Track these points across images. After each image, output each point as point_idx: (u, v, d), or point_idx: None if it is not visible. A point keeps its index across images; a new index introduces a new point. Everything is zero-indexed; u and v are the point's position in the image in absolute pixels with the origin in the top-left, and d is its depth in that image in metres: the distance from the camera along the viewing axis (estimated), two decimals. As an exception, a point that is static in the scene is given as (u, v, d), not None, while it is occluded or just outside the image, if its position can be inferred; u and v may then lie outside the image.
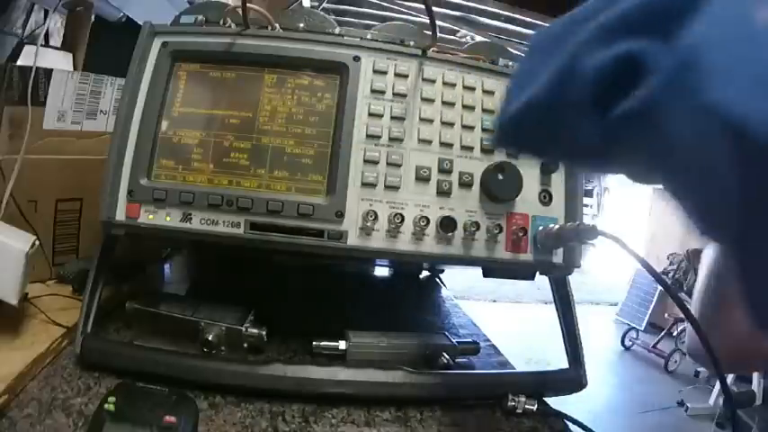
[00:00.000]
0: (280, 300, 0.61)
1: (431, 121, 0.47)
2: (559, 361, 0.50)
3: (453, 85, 0.49)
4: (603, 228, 0.40)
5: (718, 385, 2.83)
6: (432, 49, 0.49)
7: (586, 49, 0.19)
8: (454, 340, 0.51)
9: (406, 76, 0.48)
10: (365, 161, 0.45)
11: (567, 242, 0.46)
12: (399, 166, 0.46)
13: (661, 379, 3.25)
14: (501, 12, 2.17)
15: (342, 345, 0.48)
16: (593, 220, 6.20)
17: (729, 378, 2.79)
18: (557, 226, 0.45)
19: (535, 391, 0.46)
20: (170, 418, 0.33)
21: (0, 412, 0.37)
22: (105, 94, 0.65)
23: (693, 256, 3.38)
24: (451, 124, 0.47)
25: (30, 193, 0.56)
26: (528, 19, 2.19)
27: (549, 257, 0.47)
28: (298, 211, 0.44)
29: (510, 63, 0.52)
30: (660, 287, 3.70)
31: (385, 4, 2.23)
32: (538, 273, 0.49)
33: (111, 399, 0.34)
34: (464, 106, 0.48)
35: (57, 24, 1.34)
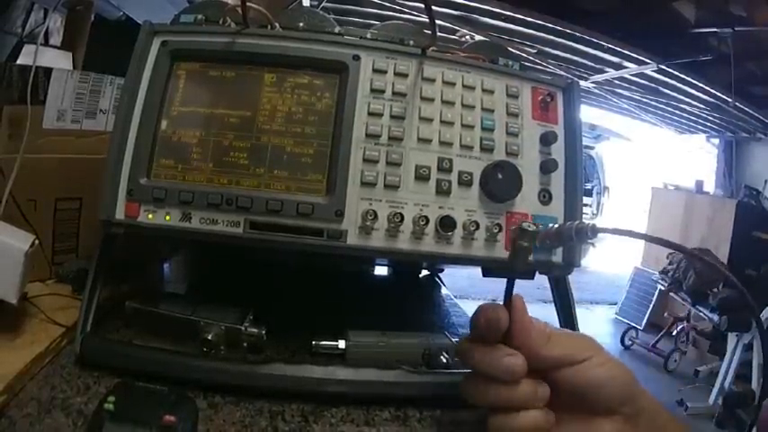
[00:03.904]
0: (279, 299, 0.61)
1: (430, 120, 0.47)
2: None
3: (453, 85, 0.48)
4: (603, 226, 0.39)
5: (717, 384, 2.83)
6: (431, 48, 0.48)
7: None
8: (454, 340, 0.51)
9: (405, 76, 0.48)
10: (365, 160, 0.45)
11: (566, 241, 0.46)
12: (399, 165, 0.46)
13: (660, 378, 3.25)
14: (501, 11, 2.17)
15: (341, 344, 0.48)
16: (593, 219, 6.20)
17: (729, 378, 2.79)
18: (556, 225, 0.45)
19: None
20: (170, 418, 0.33)
21: (0, 411, 0.37)
22: (105, 94, 0.65)
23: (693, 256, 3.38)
24: (451, 123, 0.47)
25: (29, 193, 0.56)
26: (528, 19, 2.19)
27: (548, 257, 0.47)
28: (297, 211, 0.44)
29: (510, 62, 0.52)
30: (659, 287, 3.71)
31: (385, 3, 2.22)
32: (537, 272, 0.49)
33: (111, 398, 0.34)
34: (464, 105, 0.48)
35: (56, 23, 1.34)
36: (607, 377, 0.33)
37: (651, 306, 3.91)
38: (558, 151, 0.49)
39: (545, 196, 0.48)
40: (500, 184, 0.46)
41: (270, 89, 0.47)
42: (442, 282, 0.83)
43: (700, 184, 4.24)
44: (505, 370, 0.32)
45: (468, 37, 2.37)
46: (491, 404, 0.34)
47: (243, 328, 0.47)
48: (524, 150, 0.48)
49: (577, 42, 2.40)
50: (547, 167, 0.48)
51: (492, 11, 2.18)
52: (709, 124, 3.93)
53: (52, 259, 0.60)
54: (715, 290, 3.08)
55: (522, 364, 0.32)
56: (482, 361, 0.33)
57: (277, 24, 0.49)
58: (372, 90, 0.47)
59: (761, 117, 3.14)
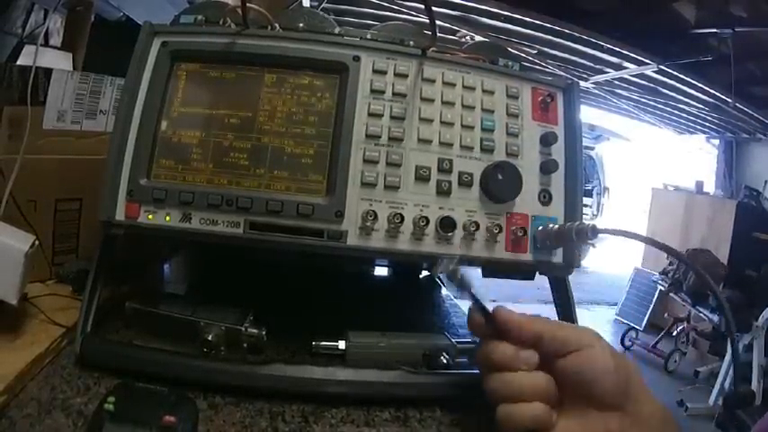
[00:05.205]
0: (279, 300, 0.61)
1: (430, 120, 0.47)
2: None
3: (453, 85, 0.48)
4: (603, 226, 0.40)
5: (717, 385, 2.83)
6: (431, 48, 0.48)
7: None
8: (454, 340, 0.51)
9: (405, 76, 0.48)
10: (365, 161, 0.45)
11: (566, 242, 0.46)
12: (399, 165, 0.46)
13: (661, 379, 3.25)
14: (501, 12, 2.17)
15: (341, 345, 0.48)
16: (593, 219, 6.20)
17: (729, 378, 2.79)
18: (556, 226, 0.45)
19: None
20: (170, 418, 0.33)
21: (0, 412, 0.37)
22: (105, 94, 0.65)
23: (693, 257, 3.38)
24: (451, 124, 0.47)
25: (29, 193, 0.56)
26: (528, 19, 2.19)
27: (548, 257, 0.47)
28: (297, 211, 0.44)
29: (509, 63, 0.52)
30: (659, 288, 3.71)
31: (385, 4, 2.22)
32: (537, 273, 0.49)
33: (111, 399, 0.34)
34: (464, 106, 0.48)
35: (56, 24, 1.34)
36: (602, 369, 0.34)
37: (651, 307, 3.91)
38: (558, 152, 0.49)
39: (545, 197, 0.48)
40: (500, 184, 0.46)
41: (270, 90, 0.47)
42: (441, 282, 0.82)
43: (700, 185, 4.24)
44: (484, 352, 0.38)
45: (468, 37, 2.37)
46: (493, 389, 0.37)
47: (243, 329, 0.47)
48: (524, 151, 0.48)
49: (577, 43, 2.40)
50: (547, 168, 0.48)
51: (490, 11, 2.19)
52: (708, 125, 3.93)
53: (52, 260, 0.60)
54: (715, 290, 3.08)
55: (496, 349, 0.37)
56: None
57: (277, 25, 0.49)
58: (372, 91, 0.47)
59: (761, 117, 3.14)
